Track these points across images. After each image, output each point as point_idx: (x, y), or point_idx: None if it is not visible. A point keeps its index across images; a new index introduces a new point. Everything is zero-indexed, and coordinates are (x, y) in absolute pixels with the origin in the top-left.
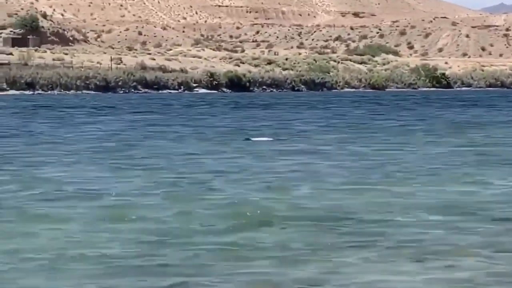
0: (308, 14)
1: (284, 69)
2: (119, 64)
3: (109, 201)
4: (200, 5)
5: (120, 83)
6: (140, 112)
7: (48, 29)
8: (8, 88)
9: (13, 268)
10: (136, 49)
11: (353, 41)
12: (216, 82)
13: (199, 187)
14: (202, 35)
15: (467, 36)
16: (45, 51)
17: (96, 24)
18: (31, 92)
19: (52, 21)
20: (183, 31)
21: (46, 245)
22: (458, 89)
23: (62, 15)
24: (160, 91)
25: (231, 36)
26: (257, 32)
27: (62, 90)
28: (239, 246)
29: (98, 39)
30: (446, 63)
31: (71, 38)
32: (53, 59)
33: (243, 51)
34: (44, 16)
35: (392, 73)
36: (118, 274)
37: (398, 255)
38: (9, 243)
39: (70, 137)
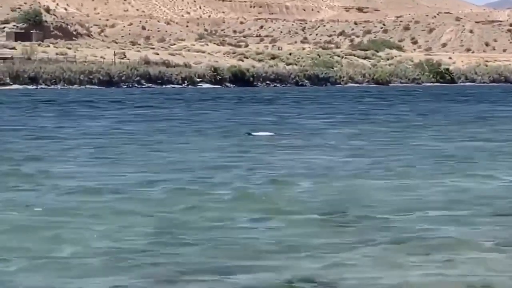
0: (312, 9)
1: (288, 64)
2: (122, 58)
3: (109, 196)
4: (203, 0)
5: (123, 78)
6: (141, 106)
7: (52, 23)
8: (11, 83)
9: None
10: (139, 44)
11: (357, 36)
12: (220, 77)
13: (199, 182)
14: (205, 30)
15: (471, 31)
16: (49, 46)
17: (100, 19)
18: (34, 87)
19: (55, 15)
20: (187, 26)
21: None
22: (461, 84)
23: (66, 9)
24: (163, 86)
25: (234, 31)
26: (261, 27)
27: (65, 85)
28: (240, 243)
29: (102, 34)
30: (450, 58)
31: (74, 33)
32: (57, 54)
33: (246, 45)
34: (47, 10)
35: (396, 68)
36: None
37: (399, 250)
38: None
39: (71, 132)
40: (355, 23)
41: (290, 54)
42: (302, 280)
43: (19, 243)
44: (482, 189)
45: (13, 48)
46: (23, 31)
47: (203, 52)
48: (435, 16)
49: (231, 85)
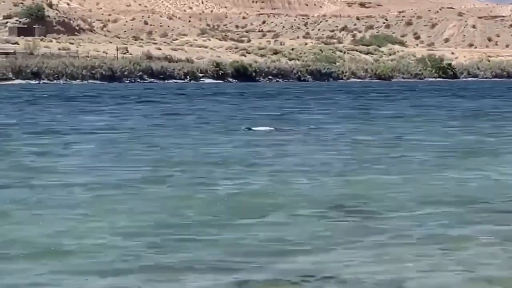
0: (314, 4)
1: (290, 59)
2: (125, 53)
3: (110, 192)
4: None
5: (126, 73)
6: (143, 101)
7: (54, 18)
8: (13, 78)
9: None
10: (142, 39)
11: (359, 31)
12: (222, 72)
13: (197, 177)
14: (208, 25)
15: (474, 26)
16: (51, 41)
17: (102, 14)
18: (36, 82)
19: (58, 10)
20: (189, 21)
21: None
22: (464, 79)
23: (68, 4)
24: (166, 81)
25: (237, 26)
26: (263, 22)
27: (68, 80)
28: (240, 239)
29: (104, 29)
30: (452, 53)
31: (77, 28)
32: (59, 49)
33: (249, 41)
34: (50, 5)
35: (398, 63)
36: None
37: (400, 246)
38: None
39: (73, 127)
40: (358, 18)
41: (292, 49)
42: (303, 275)
43: (18, 236)
44: (483, 184)
45: (16, 43)
46: (25, 26)
47: (206, 47)
48: (437, 11)
49: (234, 80)
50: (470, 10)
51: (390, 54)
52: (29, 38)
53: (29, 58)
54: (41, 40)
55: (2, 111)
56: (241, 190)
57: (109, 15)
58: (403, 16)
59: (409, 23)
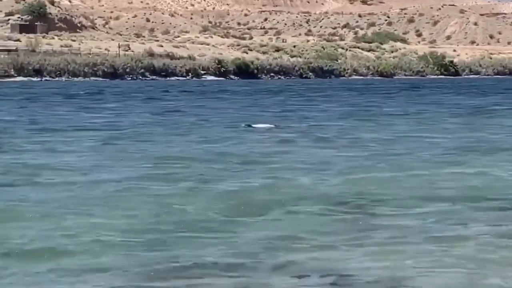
0: (316, 1)
1: (292, 56)
2: (127, 50)
3: (111, 189)
4: None
5: (128, 70)
6: (144, 98)
7: (56, 15)
8: (15, 75)
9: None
10: (144, 36)
11: (361, 29)
12: (224, 69)
13: (197, 174)
14: (210, 22)
15: (475, 23)
16: (53, 38)
17: (104, 11)
18: (38, 79)
19: (60, 7)
20: (191, 18)
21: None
22: (466, 76)
23: (70, 1)
24: (168, 78)
25: (239, 23)
26: (265, 19)
27: (70, 77)
28: (241, 237)
29: (106, 26)
30: (454, 50)
31: (79, 25)
32: (61, 46)
33: (251, 38)
34: (52, 2)
35: (400, 60)
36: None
37: (400, 243)
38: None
39: (74, 124)
40: (360, 16)
41: (294, 46)
42: (303, 272)
43: (18, 236)
44: (485, 182)
45: (18, 40)
46: (27, 23)
47: (207, 44)
48: (439, 9)
49: (235, 77)
50: (472, 8)
51: (392, 52)
52: (31, 35)
53: (31, 55)
54: (43, 37)
55: (4, 108)
56: (240, 187)
57: (111, 12)
58: (405, 14)
59: (411, 21)
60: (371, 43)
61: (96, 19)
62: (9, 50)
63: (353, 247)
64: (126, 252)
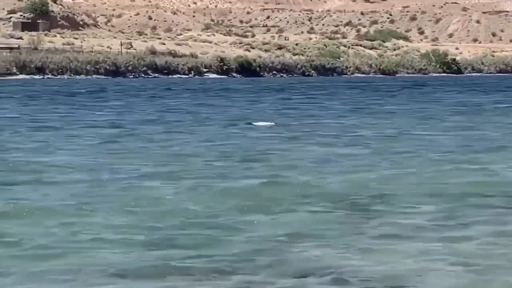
0: None
1: (295, 54)
2: (129, 48)
3: (111, 188)
4: None
5: (130, 68)
6: (146, 97)
7: (58, 13)
8: (18, 73)
9: None
10: (146, 34)
11: (364, 27)
12: (226, 67)
13: (199, 173)
14: (212, 20)
15: (478, 21)
16: (55, 36)
17: (106, 9)
18: (41, 77)
19: (62, 5)
20: (193, 16)
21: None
22: (468, 74)
23: None
24: (170, 76)
25: (241, 21)
26: (268, 17)
27: (72, 75)
28: (243, 235)
29: (108, 24)
30: (456, 48)
31: (81, 23)
32: (63, 44)
33: (253, 36)
34: (54, 0)
35: (402, 58)
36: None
37: (400, 241)
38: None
39: (75, 122)
40: (362, 13)
41: (296, 44)
42: (305, 270)
43: (17, 235)
44: (486, 180)
45: (20, 38)
46: (29, 21)
47: (210, 42)
48: (442, 6)
49: (238, 75)
50: (474, 5)
51: (395, 49)
52: (33, 33)
53: (33, 53)
54: (45, 35)
55: (6, 106)
56: (241, 185)
57: (113, 10)
58: (408, 11)
59: (413, 18)
60: (373, 41)
61: (98, 17)
62: (11, 48)
63: (354, 245)
64: (127, 251)
